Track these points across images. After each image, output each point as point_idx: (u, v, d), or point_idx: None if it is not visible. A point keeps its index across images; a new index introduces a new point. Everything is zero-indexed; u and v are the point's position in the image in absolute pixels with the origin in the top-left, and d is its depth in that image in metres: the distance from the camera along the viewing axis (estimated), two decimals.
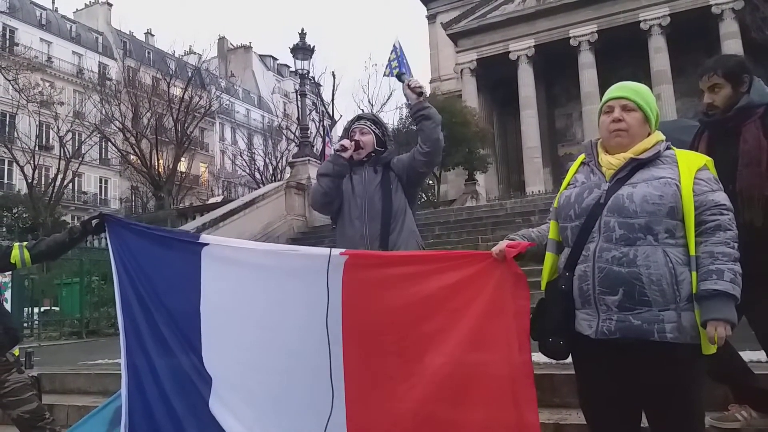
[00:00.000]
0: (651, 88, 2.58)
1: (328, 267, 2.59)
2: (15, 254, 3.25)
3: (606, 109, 2.16)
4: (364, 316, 2.57)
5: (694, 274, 1.94)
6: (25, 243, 3.34)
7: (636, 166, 2.07)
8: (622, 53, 25.85)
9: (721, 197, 2.00)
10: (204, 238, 3.06)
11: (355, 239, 3.03)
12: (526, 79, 27.69)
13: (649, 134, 2.12)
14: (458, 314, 2.41)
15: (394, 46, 4.46)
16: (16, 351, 3.40)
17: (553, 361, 2.33)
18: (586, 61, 26.56)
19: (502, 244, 2.31)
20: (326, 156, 16.18)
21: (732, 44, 24.07)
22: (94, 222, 3.15)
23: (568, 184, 2.21)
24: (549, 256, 2.23)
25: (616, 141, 2.11)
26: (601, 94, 2.22)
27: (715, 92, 2.62)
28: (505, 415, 2.27)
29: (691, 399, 1.99)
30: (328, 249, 2.69)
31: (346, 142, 3.13)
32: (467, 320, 2.38)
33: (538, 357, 2.31)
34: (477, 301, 2.37)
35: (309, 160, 15.45)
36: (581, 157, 2.25)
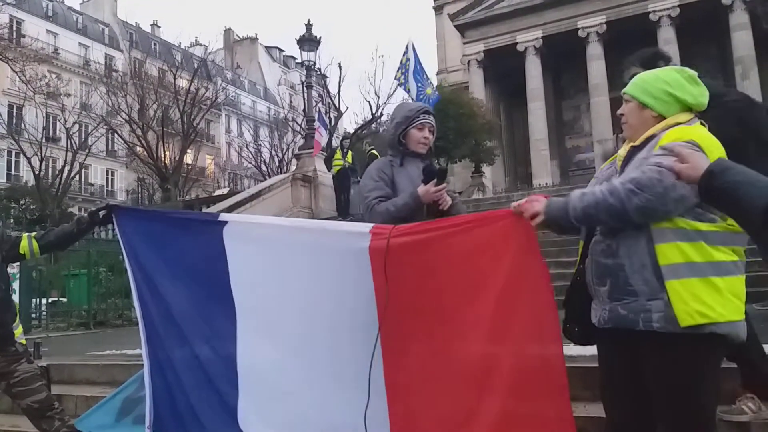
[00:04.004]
0: None
1: (369, 245, 2.48)
2: (24, 245, 3.29)
3: None
4: (399, 296, 2.46)
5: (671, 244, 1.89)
6: (33, 233, 3.37)
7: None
8: (630, 45, 25.16)
9: (664, 160, 1.85)
10: (223, 216, 2.95)
11: None
12: (534, 71, 27.46)
13: (657, 118, 2.06)
14: (488, 296, 2.35)
15: (406, 48, 4.36)
16: (22, 340, 3.39)
17: (567, 354, 2.34)
18: (595, 52, 26.29)
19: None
20: (317, 141, 15.80)
21: (742, 36, 23.80)
22: (101, 213, 3.16)
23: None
24: (580, 244, 2.25)
25: (624, 134, 2.18)
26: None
27: None
28: (542, 405, 2.25)
29: (691, 390, 1.94)
30: (366, 225, 2.59)
31: (443, 191, 2.79)
32: (496, 305, 2.33)
33: None
34: (505, 284, 2.32)
35: None
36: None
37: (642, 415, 2.05)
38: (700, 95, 2.06)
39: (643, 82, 2.11)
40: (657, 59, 2.75)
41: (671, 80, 2.07)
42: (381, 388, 2.48)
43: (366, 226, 2.58)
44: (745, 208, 1.53)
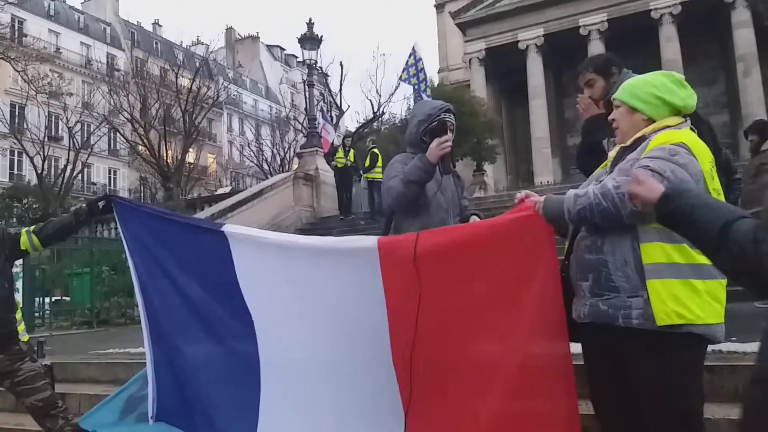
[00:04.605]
0: None
1: (378, 258, 2.46)
2: (24, 240, 3.29)
3: None
4: (407, 304, 2.43)
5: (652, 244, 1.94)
6: (32, 228, 3.35)
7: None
8: (632, 42, 25.47)
9: (652, 163, 1.91)
10: (227, 227, 2.88)
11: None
12: (535, 69, 27.43)
13: (647, 121, 2.10)
14: (505, 299, 2.36)
15: (413, 49, 4.37)
16: (24, 338, 3.40)
17: None
18: (596, 50, 26.09)
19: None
20: (325, 140, 15.78)
21: (744, 33, 23.75)
22: (100, 204, 3.16)
23: None
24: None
25: (616, 139, 2.24)
26: None
27: (591, 86, 2.84)
28: (551, 404, 2.25)
29: (672, 388, 1.94)
30: (371, 238, 2.57)
31: (448, 142, 2.83)
32: (512, 306, 2.33)
33: None
34: (520, 285, 2.32)
35: (317, 150, 15.34)
36: None
37: (630, 412, 2.07)
38: (688, 98, 2.10)
39: (632, 87, 2.16)
40: (610, 65, 2.81)
41: (658, 84, 2.11)
42: (395, 392, 2.48)
43: (372, 240, 2.54)
44: (700, 230, 1.56)
